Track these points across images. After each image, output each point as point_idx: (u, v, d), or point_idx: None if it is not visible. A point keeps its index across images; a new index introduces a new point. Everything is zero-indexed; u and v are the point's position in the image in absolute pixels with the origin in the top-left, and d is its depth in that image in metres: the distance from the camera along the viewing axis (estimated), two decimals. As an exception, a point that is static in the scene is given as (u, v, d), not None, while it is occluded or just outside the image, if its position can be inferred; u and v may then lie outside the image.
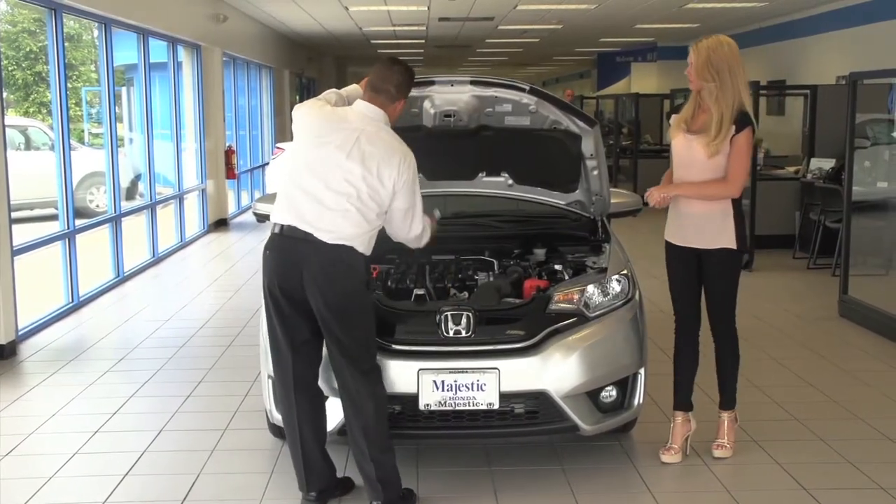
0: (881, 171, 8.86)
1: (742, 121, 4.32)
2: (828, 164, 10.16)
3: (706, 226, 4.44)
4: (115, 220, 9.51)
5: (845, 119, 7.69)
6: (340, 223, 3.90)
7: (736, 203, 4.43)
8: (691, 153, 4.41)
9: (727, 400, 4.69)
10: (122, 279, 9.50)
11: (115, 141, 9.63)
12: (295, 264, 3.93)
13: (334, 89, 4.38)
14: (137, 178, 12.82)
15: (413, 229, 4.13)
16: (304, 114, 4.07)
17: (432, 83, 4.79)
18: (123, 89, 13.91)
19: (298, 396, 4.07)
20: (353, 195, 3.91)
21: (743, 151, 4.33)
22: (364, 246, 3.96)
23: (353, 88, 4.33)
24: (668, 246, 4.60)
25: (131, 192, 12.88)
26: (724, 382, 4.67)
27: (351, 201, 3.91)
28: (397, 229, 4.12)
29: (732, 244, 4.43)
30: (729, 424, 4.68)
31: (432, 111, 4.93)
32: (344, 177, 3.91)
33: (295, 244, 3.93)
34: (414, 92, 4.78)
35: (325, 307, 3.91)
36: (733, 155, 4.33)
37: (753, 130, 4.36)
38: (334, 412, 4.17)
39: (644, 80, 22.13)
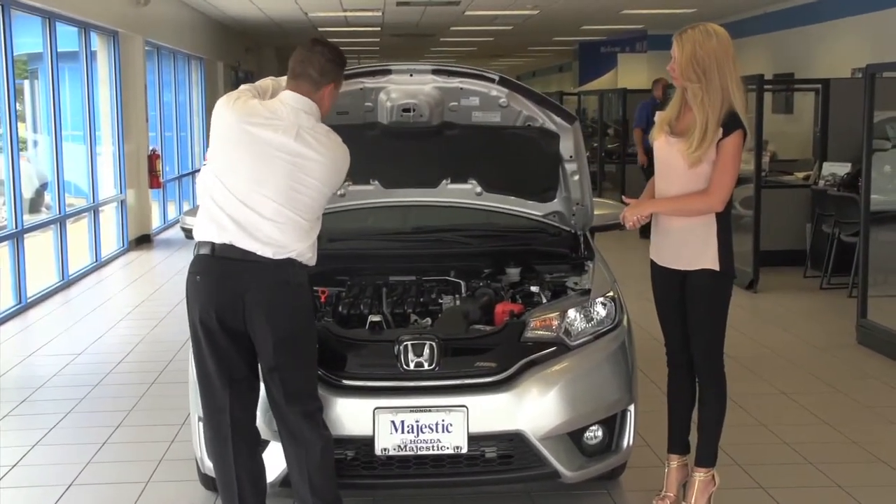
0: (903, 176, 8.99)
1: (730, 123, 4.26)
2: (842, 169, 10.26)
3: (686, 244, 4.41)
4: (16, 237, 9.42)
5: (862, 117, 7.76)
6: (287, 233, 3.89)
7: (721, 218, 4.37)
8: (671, 159, 4.38)
9: (704, 455, 4.55)
10: (24, 306, 9.40)
11: (15, 144, 9.54)
12: (235, 290, 3.89)
13: (271, 77, 4.38)
14: (44, 187, 12.71)
15: None
16: (227, 111, 4.00)
17: (389, 72, 4.81)
18: (26, 83, 13.80)
19: (236, 442, 4.04)
20: (294, 199, 3.89)
21: (729, 159, 4.27)
22: (309, 256, 4.00)
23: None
24: (652, 265, 4.61)
25: (36, 204, 12.77)
26: (703, 433, 4.56)
27: (293, 207, 3.89)
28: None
29: (715, 265, 4.37)
30: (702, 486, 4.53)
31: (389, 105, 4.94)
32: (284, 181, 3.88)
33: (234, 266, 3.90)
34: (368, 83, 4.82)
35: (272, 337, 3.89)
36: (718, 162, 4.27)
37: (745, 134, 4.30)
38: (275, 460, 4.14)
39: (632, 73, 22.29)
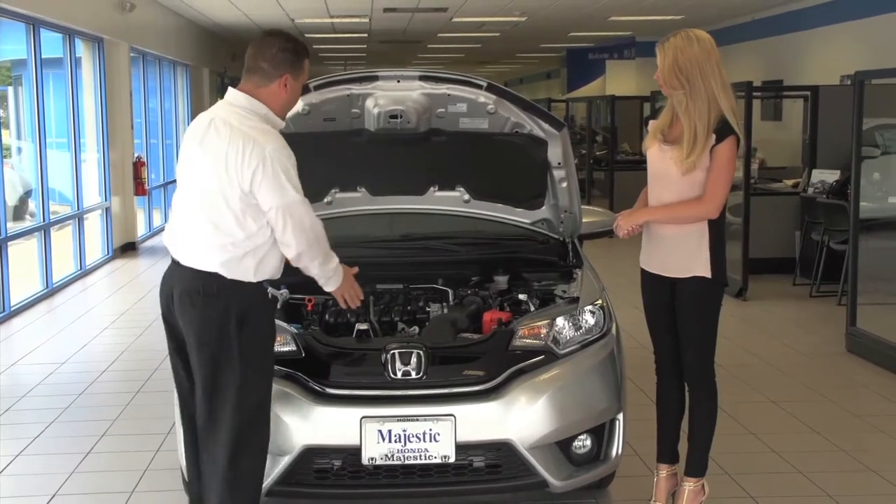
0: (892, 184, 9.01)
1: (723, 129, 4.26)
2: (831, 176, 10.29)
3: (678, 251, 4.42)
4: (0, 245, 9.39)
5: (851, 125, 7.79)
6: (197, 241, 3.83)
7: (714, 225, 4.38)
8: (665, 167, 4.39)
9: (694, 464, 4.57)
10: (7, 314, 9.36)
11: None
12: (168, 293, 3.93)
13: None
14: (28, 194, 12.67)
15: (297, 229, 3.78)
16: None
17: (376, 78, 4.82)
18: (10, 89, 13.77)
19: (193, 450, 4.06)
20: (206, 203, 3.80)
21: (723, 165, 4.28)
22: (234, 271, 3.79)
23: None
24: (642, 273, 4.62)
25: (20, 211, 12.73)
26: (693, 442, 4.57)
27: (205, 210, 3.80)
28: (281, 236, 3.80)
29: (707, 272, 4.37)
30: (692, 496, 4.55)
31: (376, 111, 4.94)
32: (195, 181, 3.85)
33: (169, 271, 3.97)
34: (355, 89, 4.83)
35: (191, 351, 3.87)
36: (713, 169, 4.28)
37: (738, 140, 4.31)
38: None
39: (621, 80, 22.37)
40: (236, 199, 3.74)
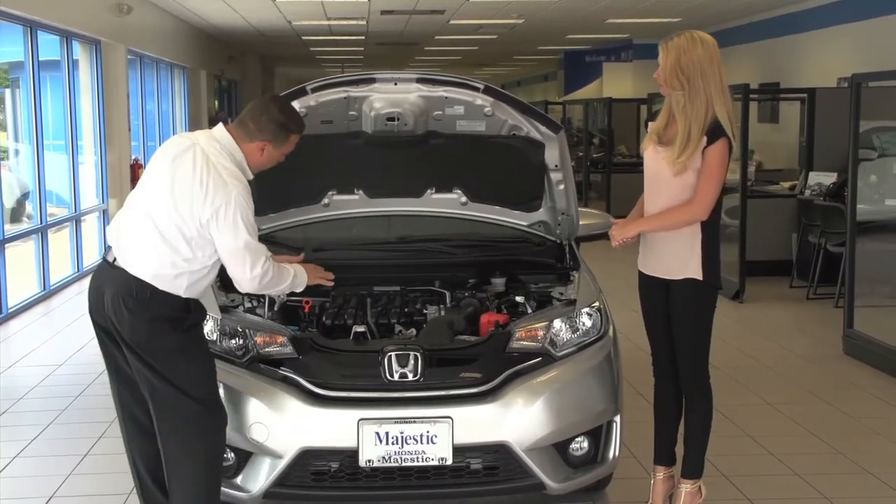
0: (889, 186, 9.02)
1: (715, 132, 4.25)
2: (828, 178, 10.31)
3: (671, 252, 4.43)
4: (-2, 247, 9.38)
5: (848, 127, 7.80)
6: (141, 247, 3.90)
7: (707, 227, 4.37)
8: (659, 168, 4.40)
9: (690, 466, 4.59)
10: (4, 317, 9.36)
11: (-3, 153, 9.52)
12: (98, 293, 3.97)
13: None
14: (25, 196, 12.65)
15: (246, 272, 3.96)
16: None
17: (373, 81, 4.83)
18: (7, 91, 13.75)
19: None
20: (163, 219, 3.89)
21: (713, 167, 4.27)
22: (165, 284, 3.89)
23: None
24: (639, 275, 4.62)
25: (17, 214, 12.71)
26: (689, 444, 4.58)
27: (159, 225, 3.89)
28: (230, 271, 4.00)
29: (699, 275, 4.38)
30: (688, 498, 4.57)
31: (373, 114, 4.95)
32: (158, 194, 3.92)
33: (100, 270, 4.03)
34: (353, 92, 4.84)
35: (127, 351, 3.93)
36: (703, 172, 4.28)
37: (730, 143, 4.29)
38: (258, 472, 4.16)
39: (618, 82, 22.35)
40: (191, 228, 3.88)
